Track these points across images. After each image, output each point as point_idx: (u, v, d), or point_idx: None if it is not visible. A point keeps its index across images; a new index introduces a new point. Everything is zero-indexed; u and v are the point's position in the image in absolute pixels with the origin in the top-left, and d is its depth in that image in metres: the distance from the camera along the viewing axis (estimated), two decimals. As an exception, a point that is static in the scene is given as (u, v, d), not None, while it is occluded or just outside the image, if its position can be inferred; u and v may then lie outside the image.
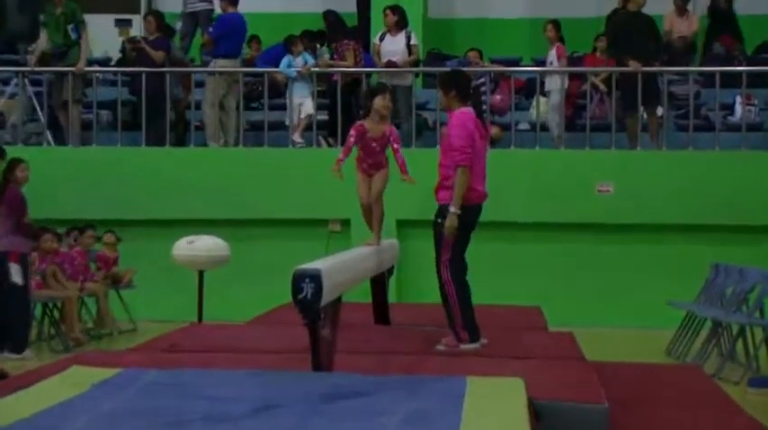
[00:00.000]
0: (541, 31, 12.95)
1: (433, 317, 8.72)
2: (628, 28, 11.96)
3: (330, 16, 12.79)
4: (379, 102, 7.21)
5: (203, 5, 14.44)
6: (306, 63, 12.27)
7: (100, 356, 6.55)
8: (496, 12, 15.91)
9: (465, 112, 6.87)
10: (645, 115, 12.25)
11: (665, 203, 11.67)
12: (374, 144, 7.26)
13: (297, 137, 12.33)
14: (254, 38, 14.33)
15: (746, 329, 9.06)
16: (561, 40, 12.76)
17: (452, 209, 6.79)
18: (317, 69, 12.22)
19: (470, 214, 6.92)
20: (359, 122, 7.26)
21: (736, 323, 9.07)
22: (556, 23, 12.81)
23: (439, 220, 6.89)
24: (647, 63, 11.85)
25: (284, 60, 12.32)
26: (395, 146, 7.32)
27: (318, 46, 12.33)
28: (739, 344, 9.07)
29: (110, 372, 5.17)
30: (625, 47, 11.85)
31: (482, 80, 12.36)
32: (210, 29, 12.73)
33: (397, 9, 12.42)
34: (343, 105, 12.08)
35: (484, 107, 7.19)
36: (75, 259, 10.88)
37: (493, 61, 13.56)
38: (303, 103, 12.27)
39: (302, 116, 12.29)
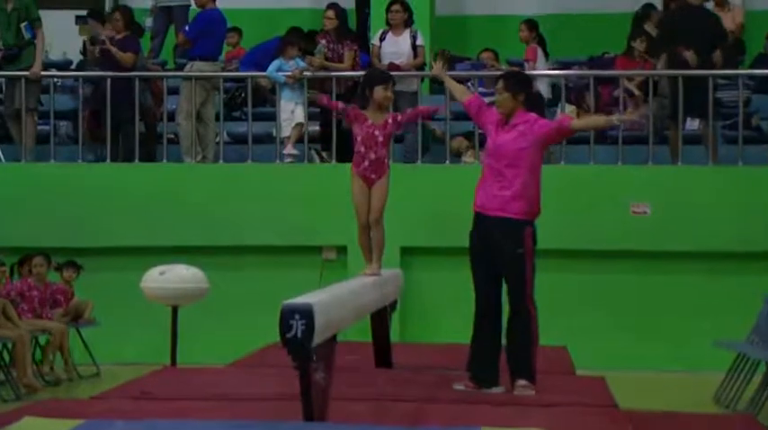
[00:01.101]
0: (566, 29, 13.02)
1: (442, 358, 8.73)
2: (685, 23, 11.95)
3: (338, 11, 12.71)
4: (380, 93, 7.28)
5: (178, 1, 14.51)
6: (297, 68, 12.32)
7: (58, 405, 6.55)
8: (513, 8, 15.95)
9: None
10: (692, 125, 12.28)
11: (710, 227, 11.67)
12: (377, 133, 7.27)
13: (290, 149, 12.36)
14: (235, 30, 14.36)
15: (805, 373, 9.04)
16: (539, 40, 12.84)
17: (612, 117, 7.59)
18: (308, 74, 12.24)
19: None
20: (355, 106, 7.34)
21: (793, 366, 9.05)
22: (530, 23, 12.88)
23: (519, 250, 7.09)
24: (706, 65, 11.82)
25: (274, 63, 12.37)
26: (406, 114, 7.61)
27: (323, 42, 12.32)
28: (797, 390, 9.05)
29: (69, 424, 5.18)
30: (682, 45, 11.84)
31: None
32: (187, 27, 12.78)
33: (406, 5, 12.47)
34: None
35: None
36: (29, 292, 10.87)
37: (510, 63, 13.60)
38: (294, 110, 12.30)
39: (293, 124, 12.31)
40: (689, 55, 11.77)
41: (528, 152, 7.12)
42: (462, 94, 7.78)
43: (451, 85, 7.91)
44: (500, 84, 7.27)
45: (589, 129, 7.71)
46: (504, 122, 7.24)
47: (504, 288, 7.24)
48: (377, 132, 7.28)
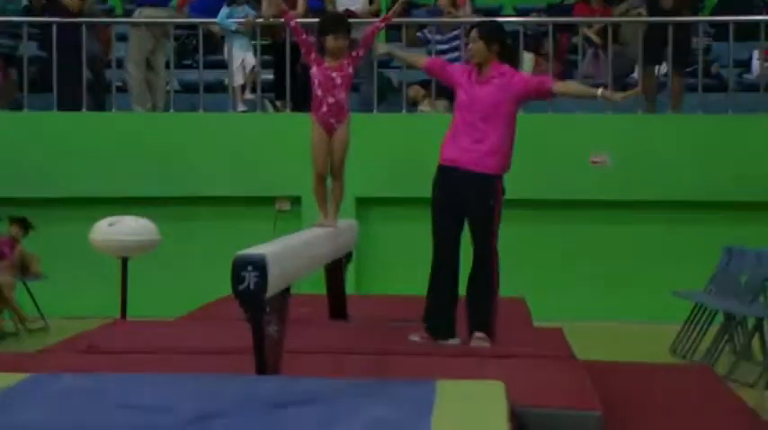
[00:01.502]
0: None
1: (398, 310, 8.75)
2: None
3: None
4: (331, 42, 7.20)
5: None
6: (247, 16, 12.23)
7: (3, 359, 6.52)
8: (472, -48, 15.90)
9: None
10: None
11: (669, 177, 11.74)
12: (334, 74, 7.20)
13: (247, 94, 12.30)
14: None
15: (764, 323, 9.15)
16: None
17: (599, 91, 7.19)
18: (261, 20, 12.16)
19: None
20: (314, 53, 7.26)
21: (752, 316, 9.16)
22: None
23: (491, 202, 7.05)
24: (678, 13, 11.85)
25: (223, 11, 12.27)
26: (360, 47, 7.41)
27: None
28: (755, 341, 9.16)
29: (14, 378, 5.15)
30: None
31: (455, 33, 12.38)
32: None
33: None
34: (292, 63, 12.03)
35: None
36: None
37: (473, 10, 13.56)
38: (245, 57, 12.23)
39: (246, 72, 12.25)
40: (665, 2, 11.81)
41: (505, 106, 7.06)
42: (418, 59, 7.77)
43: (404, 56, 7.99)
44: (474, 33, 7.20)
45: (570, 95, 7.55)
46: (477, 74, 7.14)
47: (465, 240, 7.22)
48: (334, 74, 7.21)
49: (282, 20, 12.01)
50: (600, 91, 7.18)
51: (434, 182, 7.21)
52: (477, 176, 7.01)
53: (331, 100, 7.23)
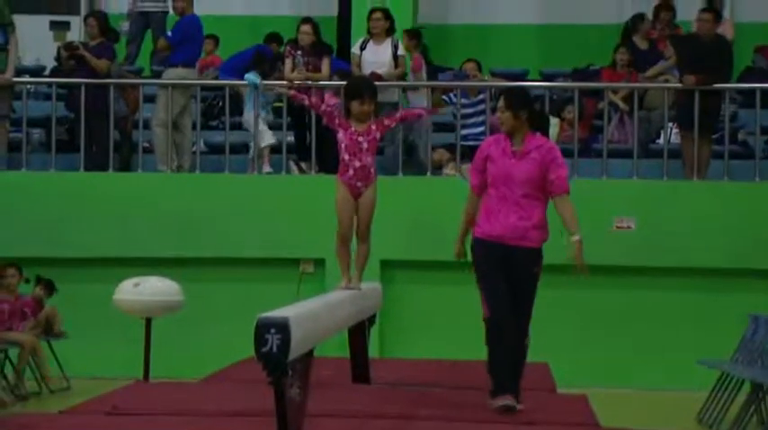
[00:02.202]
0: (553, 40, 13.05)
1: (421, 374, 8.72)
2: (693, 47, 12.04)
3: (314, 25, 12.74)
4: (356, 107, 7.29)
5: (158, 6, 14.55)
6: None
7: (26, 420, 6.52)
8: (498, 17, 16.02)
9: (548, 140, 7.25)
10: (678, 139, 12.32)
11: (695, 243, 11.70)
12: (360, 139, 7.27)
13: (266, 168, 12.42)
14: (211, 37, 14.38)
15: (790, 392, 9.07)
16: (421, 48, 12.87)
17: (578, 237, 7.11)
18: (296, 81, 12.24)
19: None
20: (339, 115, 7.35)
21: (778, 385, 9.08)
22: (412, 32, 12.89)
23: (535, 270, 7.12)
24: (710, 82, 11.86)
25: (252, 73, 12.44)
26: (395, 117, 7.57)
27: (298, 53, 12.37)
28: (782, 410, 9.08)
29: (38, 438, 5.16)
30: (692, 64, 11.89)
31: (481, 97, 12.43)
32: (169, 32, 12.78)
33: (388, 13, 12.50)
34: (316, 125, 12.10)
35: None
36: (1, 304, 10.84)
37: (494, 74, 13.64)
38: (262, 129, 12.38)
39: (264, 146, 12.41)
40: (687, 79, 11.82)
41: (541, 178, 7.04)
42: (470, 198, 7.30)
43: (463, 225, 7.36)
44: (501, 102, 7.18)
45: (560, 214, 7.11)
46: (510, 145, 7.06)
47: None
48: (360, 139, 7.29)
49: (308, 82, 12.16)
50: (575, 238, 7.08)
51: (474, 253, 7.18)
52: (524, 251, 7.06)
53: (357, 164, 7.30)
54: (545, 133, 7.26)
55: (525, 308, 7.10)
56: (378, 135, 7.37)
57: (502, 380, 6.99)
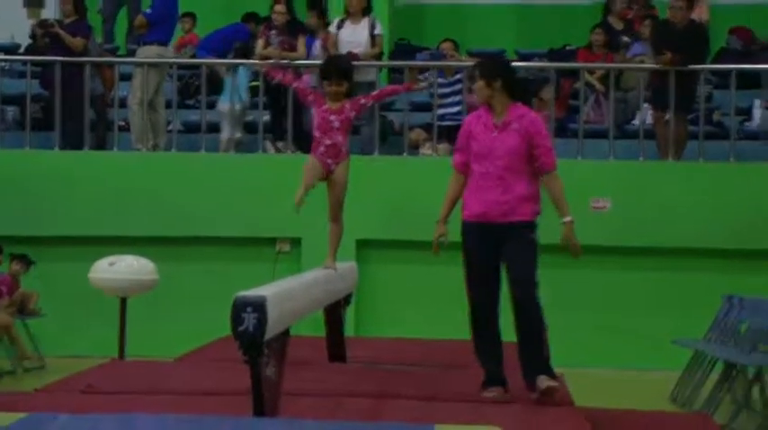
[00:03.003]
0: (530, 20, 13.04)
1: (397, 353, 8.73)
2: (668, 33, 12.04)
3: (288, 4, 12.71)
4: (326, 87, 7.36)
5: None
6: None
7: (1, 399, 6.49)
8: (474, -3, 16.02)
9: (530, 110, 6.89)
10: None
11: (670, 224, 11.74)
12: (332, 118, 7.27)
13: (236, 134, 12.43)
14: (188, 15, 14.32)
15: (764, 372, 9.12)
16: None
17: (568, 218, 6.78)
18: (271, 62, 12.20)
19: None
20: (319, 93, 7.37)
21: (752, 365, 9.13)
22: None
23: (532, 236, 6.74)
24: (684, 64, 11.87)
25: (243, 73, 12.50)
26: (371, 96, 7.54)
27: (272, 33, 12.34)
28: (755, 390, 9.13)
29: (11, 417, 5.14)
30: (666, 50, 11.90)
31: (458, 76, 12.42)
32: (149, 9, 12.69)
33: None
34: (291, 104, 12.06)
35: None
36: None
37: (471, 54, 13.61)
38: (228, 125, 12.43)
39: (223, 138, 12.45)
40: (665, 56, 11.82)
41: (525, 150, 6.70)
42: (452, 182, 7.03)
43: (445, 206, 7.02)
44: (476, 71, 6.91)
45: (549, 193, 6.81)
46: (492, 118, 6.77)
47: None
48: (332, 117, 7.29)
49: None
50: (567, 219, 6.77)
51: (463, 237, 6.83)
52: (513, 225, 6.70)
53: (328, 142, 7.32)
54: (527, 103, 6.98)
55: (525, 274, 6.67)
56: (351, 114, 7.37)
57: (489, 370, 6.75)
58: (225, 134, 12.52)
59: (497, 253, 6.73)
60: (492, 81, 6.78)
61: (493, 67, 6.90)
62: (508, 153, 6.71)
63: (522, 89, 7.06)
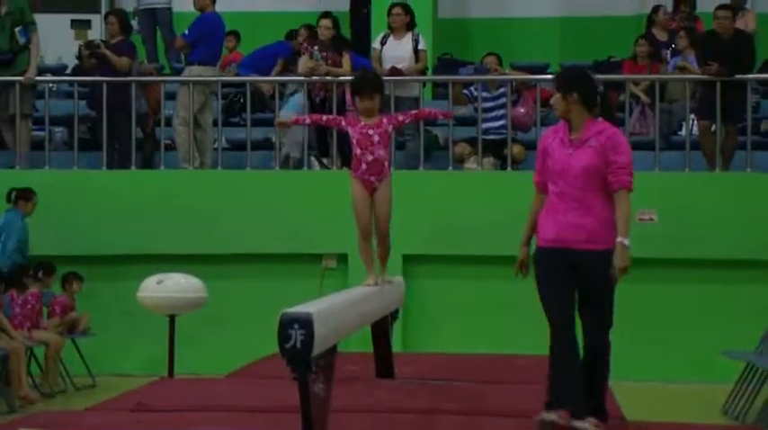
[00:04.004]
0: (573, 32, 13.00)
1: (444, 369, 8.72)
2: (714, 44, 12.00)
3: (335, 20, 12.76)
4: (358, 104, 7.28)
5: (161, 3, 14.60)
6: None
7: (52, 417, 6.55)
8: (518, 10, 16.01)
9: (612, 125, 6.50)
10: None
11: (718, 235, 11.66)
12: (371, 132, 7.19)
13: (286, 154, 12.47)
14: (232, 34, 14.41)
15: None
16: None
17: (627, 241, 6.26)
18: (315, 78, 12.25)
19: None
20: (351, 113, 7.33)
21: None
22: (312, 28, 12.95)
23: (610, 271, 6.26)
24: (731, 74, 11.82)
25: (295, 98, 12.53)
26: (409, 114, 7.47)
27: (315, 48, 12.40)
28: (808, 402, 9.04)
29: (64, 436, 5.18)
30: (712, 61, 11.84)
31: (501, 90, 12.41)
32: (186, 31, 12.81)
33: (408, 8, 12.49)
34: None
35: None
36: (28, 303, 10.88)
37: (514, 68, 13.61)
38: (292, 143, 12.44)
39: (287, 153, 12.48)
40: (712, 69, 11.77)
41: (602, 169, 6.28)
42: (533, 206, 6.60)
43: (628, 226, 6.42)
44: (554, 83, 6.58)
45: (618, 212, 6.31)
46: (568, 134, 6.41)
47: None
48: (371, 132, 7.19)
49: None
50: (627, 241, 6.28)
51: (536, 263, 6.45)
52: (591, 255, 6.28)
53: (369, 158, 7.20)
54: (609, 118, 6.56)
55: (599, 316, 6.37)
56: (389, 128, 7.25)
57: (555, 393, 6.33)
58: (285, 149, 12.52)
59: (573, 277, 6.34)
60: (567, 94, 6.41)
61: (569, 78, 6.53)
62: (585, 172, 6.29)
63: (603, 103, 6.65)
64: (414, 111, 8.00)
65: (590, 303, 6.37)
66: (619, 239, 6.26)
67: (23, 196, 11.52)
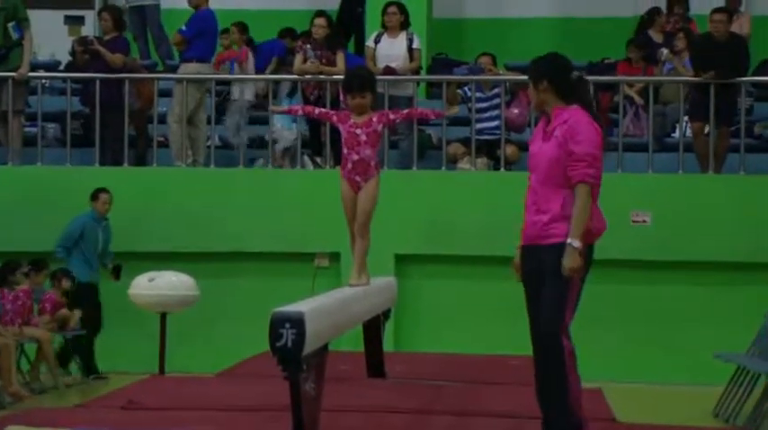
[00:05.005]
0: (568, 33, 13.01)
1: (436, 369, 8.73)
2: (708, 47, 12.02)
3: (329, 19, 12.76)
4: (349, 101, 7.22)
5: (149, 0, 14.62)
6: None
7: (42, 414, 6.54)
8: (513, 10, 16.01)
9: (581, 112, 6.01)
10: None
11: (711, 237, 11.67)
12: (358, 131, 7.12)
13: (286, 164, 12.47)
14: (227, 31, 14.40)
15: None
16: (248, 41, 13.08)
17: (575, 243, 5.85)
18: (309, 76, 12.25)
19: (590, 255, 6.05)
20: (345, 109, 7.27)
21: (795, 379, 9.05)
22: (242, 25, 13.29)
23: (558, 278, 5.90)
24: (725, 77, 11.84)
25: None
26: (401, 113, 7.38)
27: (308, 48, 12.39)
28: (799, 405, 9.05)
29: (53, 433, 5.18)
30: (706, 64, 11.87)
31: (496, 91, 12.42)
32: (184, 27, 12.79)
33: (402, 7, 12.50)
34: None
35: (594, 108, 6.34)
36: (18, 299, 10.86)
37: (509, 68, 13.61)
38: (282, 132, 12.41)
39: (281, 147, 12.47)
40: (709, 76, 11.79)
41: (563, 161, 5.90)
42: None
43: (580, 224, 6.02)
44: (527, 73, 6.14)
45: (573, 219, 5.93)
46: (544, 128, 6.05)
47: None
48: (359, 131, 7.11)
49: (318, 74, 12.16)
50: (575, 243, 5.86)
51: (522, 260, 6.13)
52: (548, 249, 5.92)
53: (355, 157, 7.13)
54: (584, 102, 6.05)
55: (544, 315, 5.92)
56: (379, 127, 7.17)
57: (541, 408, 5.95)
58: (281, 145, 12.51)
59: (541, 280, 5.97)
60: (538, 83, 6.02)
61: (538, 66, 6.09)
62: (547, 164, 5.94)
63: (579, 89, 6.10)
64: (405, 111, 7.89)
65: (542, 296, 5.93)
66: (568, 241, 5.85)
67: (92, 196, 11.56)
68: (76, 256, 11.41)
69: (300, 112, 8.14)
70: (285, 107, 8.55)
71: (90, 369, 11.31)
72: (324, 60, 12.32)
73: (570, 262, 5.83)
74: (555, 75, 6.01)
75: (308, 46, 12.36)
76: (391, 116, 7.36)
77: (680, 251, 11.74)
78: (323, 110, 7.60)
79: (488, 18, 16.07)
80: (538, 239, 5.94)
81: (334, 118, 7.32)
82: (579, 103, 6.00)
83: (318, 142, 12.55)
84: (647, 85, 12.60)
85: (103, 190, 11.54)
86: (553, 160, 5.90)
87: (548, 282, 5.91)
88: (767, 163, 12.06)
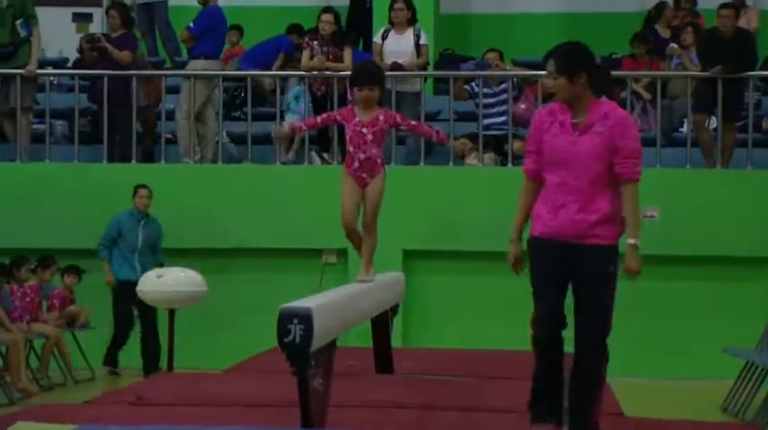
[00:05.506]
0: (575, 28, 12.99)
1: (444, 364, 8.72)
2: (715, 42, 12.00)
3: (336, 15, 12.76)
4: (356, 94, 7.18)
5: None
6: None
7: (51, 410, 6.55)
8: (520, 6, 15.99)
9: (616, 105, 5.79)
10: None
11: (719, 232, 11.66)
12: (364, 130, 7.10)
13: (291, 155, 12.44)
14: (235, 28, 14.41)
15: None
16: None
17: (634, 241, 5.69)
18: (315, 73, 12.25)
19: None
20: (349, 106, 7.24)
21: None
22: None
23: (611, 269, 5.72)
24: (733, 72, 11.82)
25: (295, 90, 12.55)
26: (408, 123, 7.29)
27: (315, 44, 12.38)
28: (808, 400, 9.04)
29: (62, 429, 5.18)
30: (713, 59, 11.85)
31: (503, 86, 12.41)
32: (192, 24, 12.79)
33: (409, 3, 12.49)
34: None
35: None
36: (27, 295, 10.88)
37: (516, 64, 13.60)
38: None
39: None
40: (717, 71, 11.77)
41: (609, 157, 5.64)
42: (523, 196, 5.94)
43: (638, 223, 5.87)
44: (551, 65, 5.72)
45: (625, 203, 5.75)
46: (569, 116, 5.71)
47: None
48: (364, 130, 7.08)
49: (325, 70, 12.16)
50: (634, 241, 5.74)
51: (530, 254, 5.84)
52: (589, 249, 5.69)
53: (362, 156, 7.11)
54: (611, 96, 5.83)
55: (594, 319, 5.75)
56: (385, 127, 7.14)
57: (540, 406, 5.87)
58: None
59: (568, 276, 5.76)
60: (575, 76, 5.67)
61: (573, 57, 5.74)
62: (591, 160, 5.64)
63: (605, 81, 5.89)
64: (413, 123, 7.59)
65: (585, 304, 5.75)
66: (630, 241, 5.70)
67: (134, 192, 11.55)
68: (116, 254, 11.46)
69: (305, 128, 8.11)
70: (287, 128, 8.52)
71: (110, 360, 11.31)
72: (331, 56, 12.32)
73: (636, 264, 5.75)
74: (593, 67, 5.75)
75: (315, 42, 12.36)
76: (398, 120, 7.26)
77: (688, 246, 11.73)
78: (323, 116, 7.55)
79: (495, 14, 16.05)
80: (577, 239, 5.68)
81: (338, 117, 7.28)
82: (605, 94, 5.78)
83: (326, 138, 12.55)
84: (654, 79, 12.58)
85: (143, 186, 11.55)
86: (598, 156, 5.64)
87: (590, 283, 5.73)
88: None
